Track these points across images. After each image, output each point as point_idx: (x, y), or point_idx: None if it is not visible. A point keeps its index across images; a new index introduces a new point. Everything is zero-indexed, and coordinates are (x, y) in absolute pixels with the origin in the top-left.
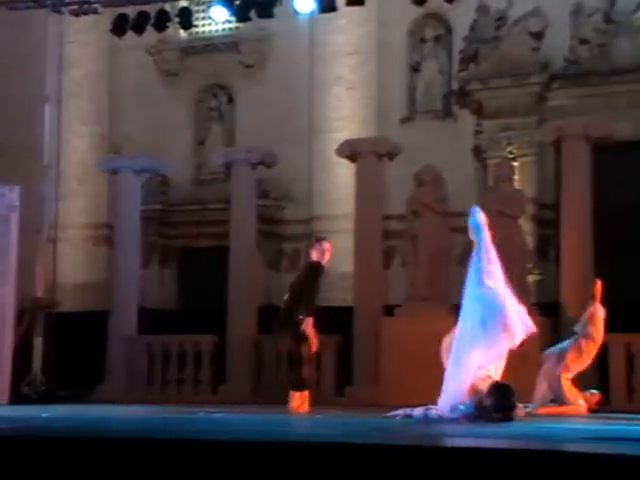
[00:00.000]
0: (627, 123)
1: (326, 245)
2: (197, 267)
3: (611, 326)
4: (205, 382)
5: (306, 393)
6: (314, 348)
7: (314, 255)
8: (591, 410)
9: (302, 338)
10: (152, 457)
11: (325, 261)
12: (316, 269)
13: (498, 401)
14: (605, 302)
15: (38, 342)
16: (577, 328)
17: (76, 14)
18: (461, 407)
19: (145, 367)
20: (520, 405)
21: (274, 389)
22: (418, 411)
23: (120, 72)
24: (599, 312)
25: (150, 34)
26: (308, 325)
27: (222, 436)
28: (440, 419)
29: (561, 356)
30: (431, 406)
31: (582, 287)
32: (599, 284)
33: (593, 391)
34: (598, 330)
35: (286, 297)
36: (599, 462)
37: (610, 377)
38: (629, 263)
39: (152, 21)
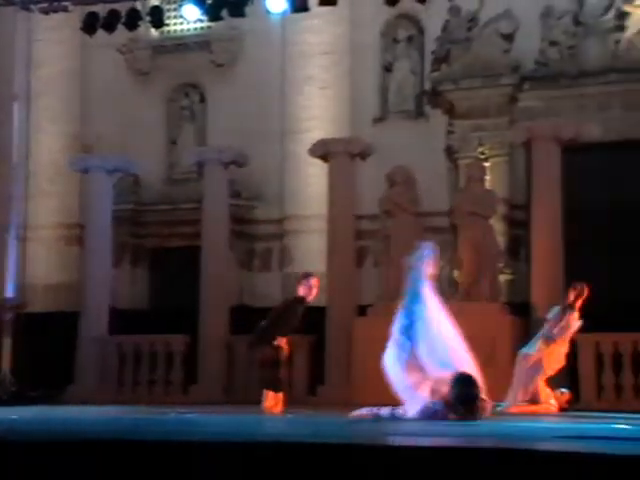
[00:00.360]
0: (596, 125)
1: (313, 281)
2: (169, 267)
3: (581, 325)
4: (176, 382)
5: (281, 394)
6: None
7: (301, 290)
8: (561, 409)
9: (278, 347)
10: (123, 458)
11: (311, 297)
12: (300, 304)
13: (461, 391)
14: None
15: (7, 343)
16: (554, 330)
17: (46, 12)
18: (430, 407)
19: (116, 367)
20: (487, 399)
21: (246, 389)
22: (385, 411)
23: (91, 71)
24: (576, 317)
25: (121, 33)
26: (282, 342)
27: (194, 437)
28: (408, 418)
29: (537, 363)
30: (398, 407)
31: (552, 287)
32: (587, 292)
33: (563, 390)
34: (569, 335)
35: (265, 322)
36: (569, 460)
37: (580, 376)
38: (598, 263)
39: (123, 20)
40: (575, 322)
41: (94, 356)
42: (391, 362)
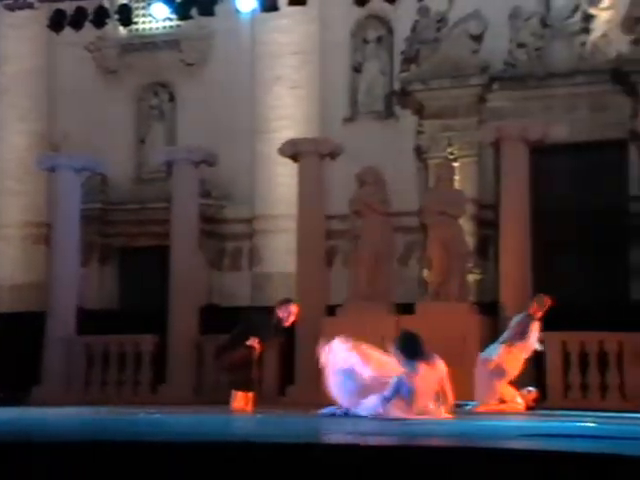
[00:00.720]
0: (563, 126)
1: (292, 308)
2: (138, 266)
3: (547, 325)
4: (145, 382)
5: (251, 394)
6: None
7: (279, 313)
8: (528, 407)
9: (250, 347)
10: (91, 459)
11: (288, 323)
12: (275, 326)
13: (404, 340)
14: None
15: None
16: (515, 335)
17: (11, 8)
18: (390, 391)
19: (84, 368)
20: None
21: (215, 389)
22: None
23: (58, 69)
24: (537, 327)
25: (89, 30)
26: (254, 342)
27: (162, 437)
28: (376, 415)
29: (499, 367)
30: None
31: (521, 286)
32: (549, 303)
33: (530, 389)
34: (529, 343)
35: (237, 329)
36: (535, 459)
37: (546, 375)
38: (564, 263)
39: (90, 17)
40: (535, 332)
41: (61, 357)
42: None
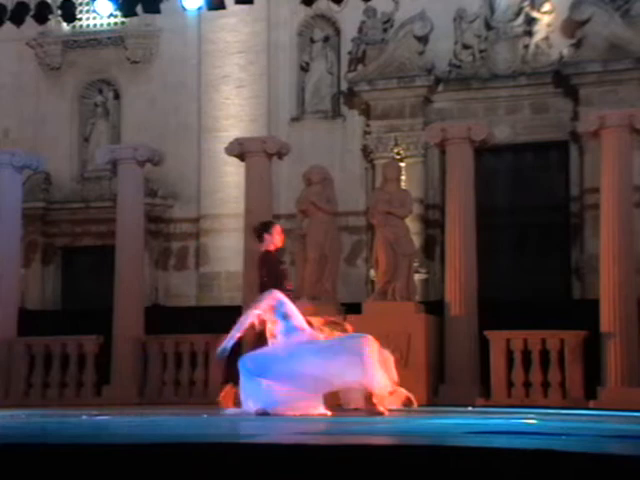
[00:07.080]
0: (505, 127)
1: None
2: (81, 266)
3: (492, 323)
4: (89, 384)
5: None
6: None
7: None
8: None
9: None
10: (30, 463)
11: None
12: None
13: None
14: (487, 299)
15: None
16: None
17: None
18: None
19: (25, 370)
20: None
21: (159, 390)
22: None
23: None
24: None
25: (31, 26)
26: None
27: (106, 440)
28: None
29: None
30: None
31: (466, 285)
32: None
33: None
34: None
35: None
36: (479, 455)
37: (491, 372)
38: (508, 261)
39: (32, 12)
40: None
41: (1, 359)
42: None
